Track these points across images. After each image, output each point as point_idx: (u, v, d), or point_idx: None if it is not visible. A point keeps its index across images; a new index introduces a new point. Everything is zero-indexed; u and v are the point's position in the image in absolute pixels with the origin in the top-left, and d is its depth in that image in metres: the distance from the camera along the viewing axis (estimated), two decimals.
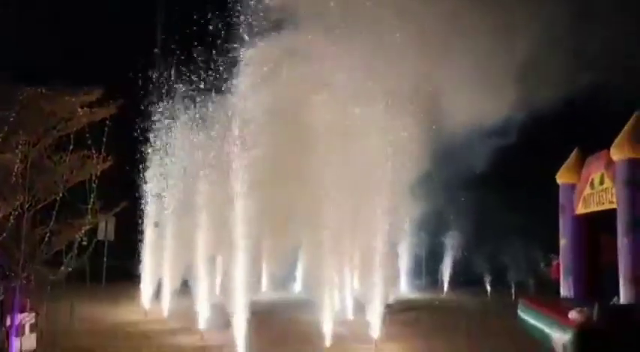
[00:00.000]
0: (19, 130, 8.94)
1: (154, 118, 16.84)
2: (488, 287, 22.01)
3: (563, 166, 13.20)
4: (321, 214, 15.45)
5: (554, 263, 15.57)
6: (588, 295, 11.23)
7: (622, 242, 9.66)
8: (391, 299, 15.00)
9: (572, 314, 9.80)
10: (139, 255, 17.10)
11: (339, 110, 13.09)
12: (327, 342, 9.99)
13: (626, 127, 9.77)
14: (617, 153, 9.78)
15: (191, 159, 15.48)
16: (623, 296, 9.57)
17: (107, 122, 10.46)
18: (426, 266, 24.84)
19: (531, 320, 11.86)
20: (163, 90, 16.81)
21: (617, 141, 9.79)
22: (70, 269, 9.95)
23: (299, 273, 21.16)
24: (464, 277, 22.91)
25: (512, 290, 20.14)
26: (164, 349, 10.49)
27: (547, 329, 10.55)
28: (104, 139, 10.29)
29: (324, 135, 13.58)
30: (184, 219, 15.17)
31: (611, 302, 9.86)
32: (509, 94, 13.64)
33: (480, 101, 13.91)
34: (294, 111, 13.81)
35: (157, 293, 16.36)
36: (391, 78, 12.35)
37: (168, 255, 16.17)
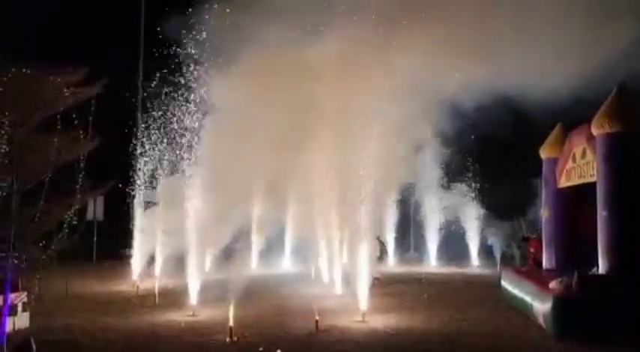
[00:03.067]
0: (5, 111, 8.97)
1: (142, 97, 16.79)
2: (475, 260, 22.46)
3: (547, 141, 13.44)
4: (309, 191, 15.66)
5: (532, 238, 15.98)
6: (569, 265, 11.50)
7: (601, 214, 9.93)
8: (379, 273, 15.34)
9: (553, 284, 10.14)
10: (130, 234, 17.28)
11: (332, 83, 13.14)
12: (317, 315, 10.24)
13: (605, 102, 9.95)
14: (597, 127, 9.99)
15: (181, 135, 15.50)
16: (602, 267, 9.88)
17: (93, 101, 10.50)
18: (414, 241, 25.24)
19: (514, 291, 12.23)
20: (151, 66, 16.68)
21: (596, 116, 9.99)
22: (60, 248, 10.08)
23: (288, 250, 21.42)
24: (451, 250, 23.28)
25: (498, 262, 20.58)
26: (156, 324, 10.70)
27: (529, 299, 10.90)
28: (90, 119, 10.34)
29: (314, 109, 13.69)
30: (175, 197, 15.28)
31: (590, 272, 10.17)
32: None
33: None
34: (285, 83, 13.85)
35: (149, 271, 16.57)
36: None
37: (159, 233, 16.35)
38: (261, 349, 8.52)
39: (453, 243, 23.48)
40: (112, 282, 16.30)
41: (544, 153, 13.54)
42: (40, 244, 9.60)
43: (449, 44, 12.84)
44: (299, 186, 16.32)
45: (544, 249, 13.52)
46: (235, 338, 9.29)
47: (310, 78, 13.16)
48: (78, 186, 9.91)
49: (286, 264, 21.14)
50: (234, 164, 13.41)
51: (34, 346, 8.14)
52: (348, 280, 12.82)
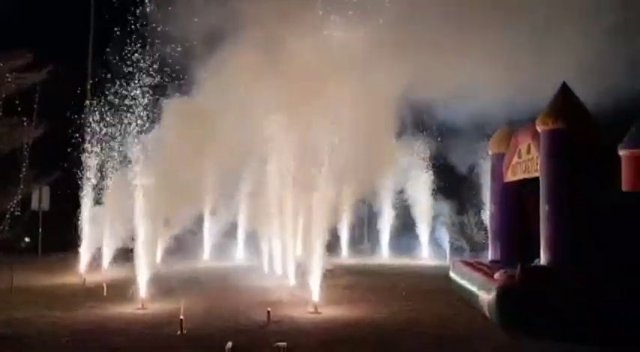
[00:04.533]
0: None
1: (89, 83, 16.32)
2: (426, 252, 22.96)
3: (493, 137, 13.90)
4: (262, 182, 15.61)
5: None
6: (515, 257, 11.93)
7: (543, 209, 10.34)
8: (332, 265, 15.48)
9: (497, 275, 10.52)
10: (77, 225, 16.78)
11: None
12: (269, 307, 10.27)
13: (550, 101, 10.35)
14: (541, 124, 10.38)
15: (129, 125, 15.16)
16: (543, 259, 10.31)
17: (37, 88, 10.15)
18: (368, 233, 25.52)
19: (462, 281, 12.61)
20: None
21: (541, 113, 10.37)
22: (2, 239, 9.73)
23: (240, 242, 21.27)
24: (403, 242, 23.68)
25: (448, 254, 21.14)
26: (104, 317, 10.49)
27: (475, 289, 11.27)
28: (35, 106, 10.00)
29: (266, 99, 13.66)
30: (123, 188, 14.94)
31: (533, 264, 10.59)
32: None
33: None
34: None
35: (97, 263, 16.18)
36: None
37: (107, 225, 15.96)
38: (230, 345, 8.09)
39: (405, 235, 23.89)
40: (59, 275, 15.82)
41: (491, 148, 13.98)
42: None
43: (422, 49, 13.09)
44: (252, 178, 16.22)
45: (489, 241, 13.99)
46: (185, 331, 9.20)
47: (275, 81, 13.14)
48: (21, 175, 9.57)
49: (239, 256, 21.01)
50: (187, 155, 13.23)
51: None
52: (301, 272, 12.90)
